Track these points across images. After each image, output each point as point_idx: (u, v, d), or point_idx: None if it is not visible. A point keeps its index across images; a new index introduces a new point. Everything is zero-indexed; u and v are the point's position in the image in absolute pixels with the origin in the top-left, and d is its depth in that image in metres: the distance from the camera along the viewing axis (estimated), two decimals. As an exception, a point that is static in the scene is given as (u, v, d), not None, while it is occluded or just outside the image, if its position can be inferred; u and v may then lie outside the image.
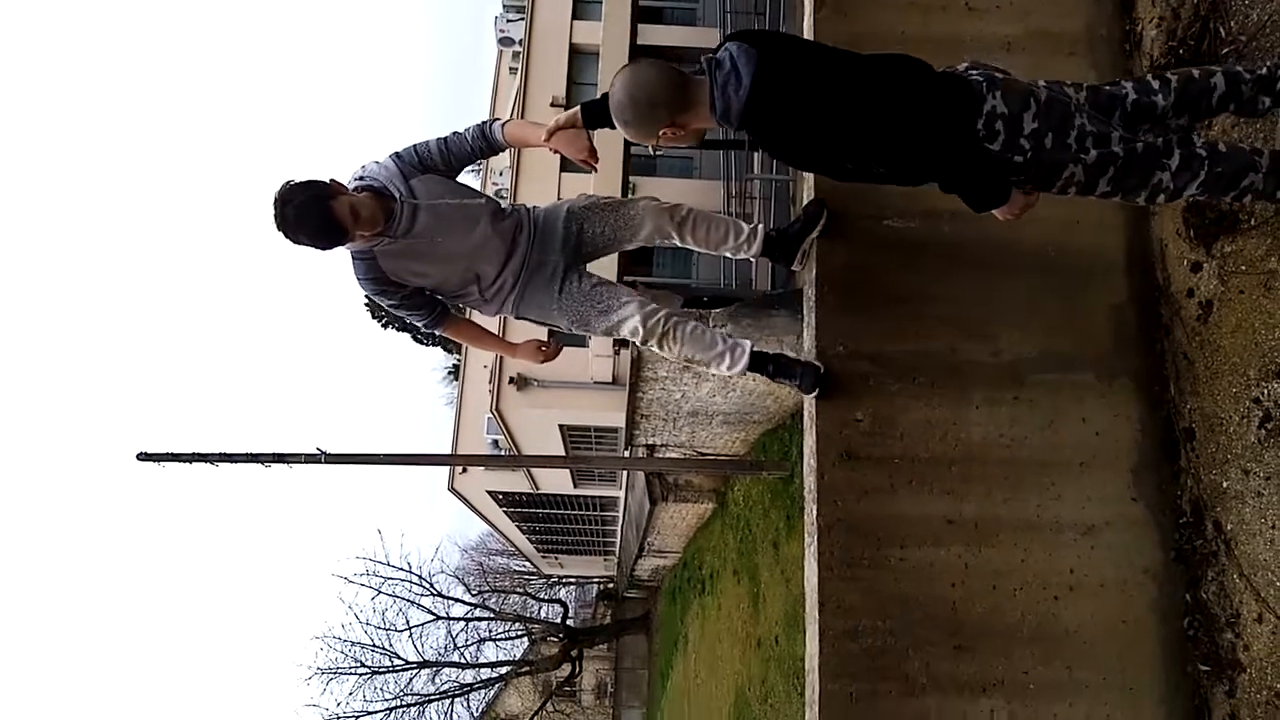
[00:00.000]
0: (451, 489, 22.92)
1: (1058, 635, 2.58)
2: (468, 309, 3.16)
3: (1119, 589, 2.61)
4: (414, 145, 2.87)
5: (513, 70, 20.07)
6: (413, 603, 24.66)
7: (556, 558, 32.17)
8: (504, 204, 3.04)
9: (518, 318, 3.04)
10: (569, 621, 28.58)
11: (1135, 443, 2.73)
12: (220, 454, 13.57)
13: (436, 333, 3.10)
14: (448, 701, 25.53)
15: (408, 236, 2.77)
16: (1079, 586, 2.61)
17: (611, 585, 31.70)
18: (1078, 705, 2.54)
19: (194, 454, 13.48)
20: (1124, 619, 2.60)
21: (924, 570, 2.65)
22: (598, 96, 2.52)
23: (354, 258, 2.83)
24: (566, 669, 26.87)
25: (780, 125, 2.10)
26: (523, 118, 16.84)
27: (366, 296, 3.05)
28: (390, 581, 23.95)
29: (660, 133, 2.18)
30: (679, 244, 2.99)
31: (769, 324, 7.60)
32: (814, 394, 2.76)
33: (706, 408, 11.41)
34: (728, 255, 3.06)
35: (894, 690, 2.59)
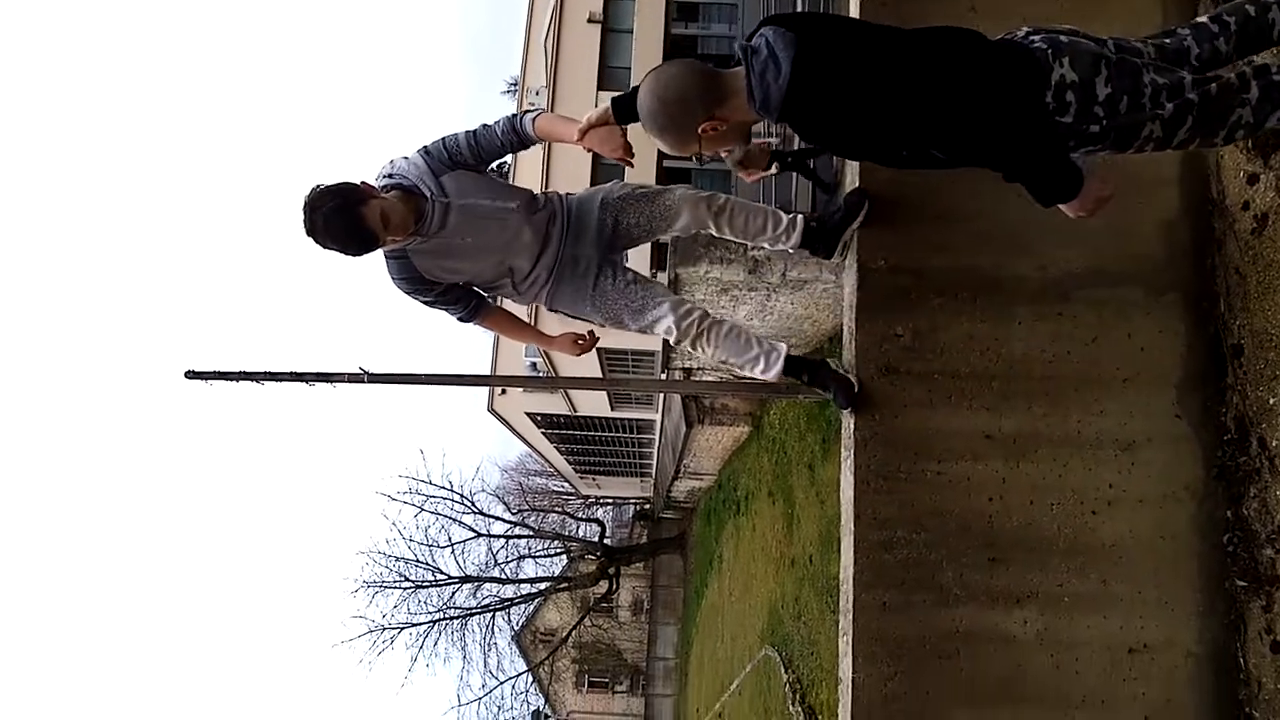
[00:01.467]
0: (491, 410, 23.23)
1: (1094, 549, 2.59)
2: (501, 299, 3.13)
3: (1158, 505, 2.61)
4: (442, 140, 2.82)
5: (548, -14, 19.62)
6: (454, 520, 25.31)
7: (594, 479, 32.63)
8: (537, 193, 2.98)
9: (550, 309, 3.02)
10: (606, 540, 29.12)
11: (1181, 359, 2.69)
12: (265, 372, 13.89)
13: (472, 324, 3.07)
14: (489, 615, 26.35)
15: (440, 235, 2.74)
16: (1117, 502, 2.61)
17: (648, 506, 32.15)
18: (1112, 618, 2.56)
19: (240, 372, 13.81)
20: (1162, 534, 2.59)
21: (961, 484, 2.66)
22: (628, 91, 2.44)
23: (388, 258, 2.81)
24: (604, 586, 27.49)
25: (825, 113, 1.94)
26: (557, 43, 16.58)
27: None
28: (432, 500, 24.57)
29: (699, 131, 2.02)
30: (715, 234, 2.95)
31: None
32: (848, 410, 2.72)
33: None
34: (765, 246, 3.01)
35: (927, 600, 2.62)
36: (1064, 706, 2.51)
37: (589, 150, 2.68)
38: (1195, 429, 2.66)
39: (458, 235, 2.76)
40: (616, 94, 2.53)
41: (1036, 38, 1.98)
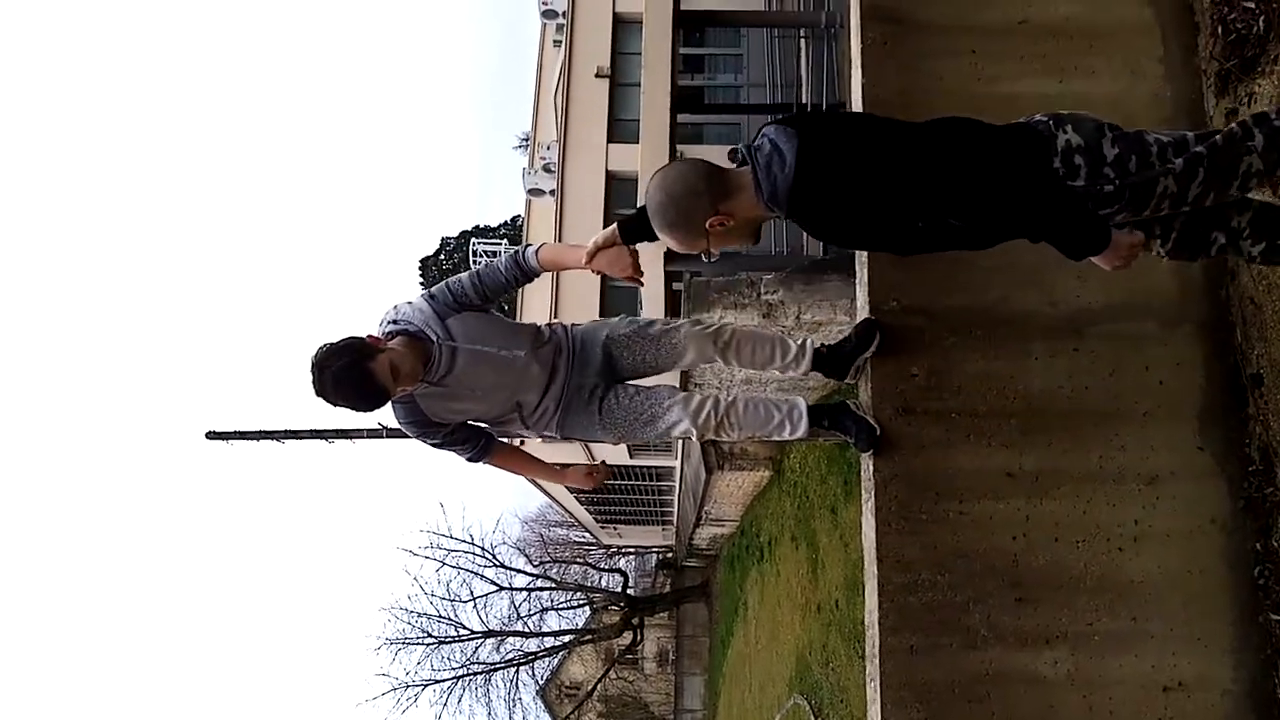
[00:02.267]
0: (510, 462, 23.12)
1: (1122, 586, 2.55)
2: (509, 435, 3.13)
3: (1186, 539, 2.57)
4: (447, 283, 2.84)
5: (556, 43, 20.02)
6: (476, 574, 25.17)
7: (615, 528, 32.45)
8: (542, 326, 3.01)
9: (563, 438, 3.02)
10: (629, 590, 28.84)
11: (1200, 390, 2.67)
12: (285, 431, 14.01)
13: (481, 463, 3.07)
14: (513, 670, 26.05)
15: (447, 379, 2.75)
16: (1144, 537, 2.58)
17: (670, 554, 31.86)
18: (1144, 656, 2.51)
19: (260, 431, 13.95)
20: (1190, 569, 2.56)
21: (983, 523, 2.64)
22: (634, 210, 2.49)
23: (395, 403, 2.79)
24: (628, 637, 27.19)
25: (834, 196, 1.97)
26: (567, 98, 16.82)
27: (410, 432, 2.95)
28: (453, 554, 24.47)
29: (707, 225, 2.05)
30: (724, 367, 2.99)
31: (821, 288, 7.54)
32: (869, 453, 2.72)
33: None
34: (776, 375, 3.05)
35: (955, 643, 2.58)
36: (1100, 749, 2.46)
37: (597, 273, 2.70)
38: (1219, 461, 2.63)
39: (466, 377, 2.76)
40: (622, 216, 2.58)
41: (1038, 116, 2.03)
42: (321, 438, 12.62)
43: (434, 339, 2.72)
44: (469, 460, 3.00)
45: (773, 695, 13.32)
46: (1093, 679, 2.51)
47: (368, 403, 2.58)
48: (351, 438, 12.07)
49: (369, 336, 2.64)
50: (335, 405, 2.59)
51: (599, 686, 28.38)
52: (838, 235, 2.13)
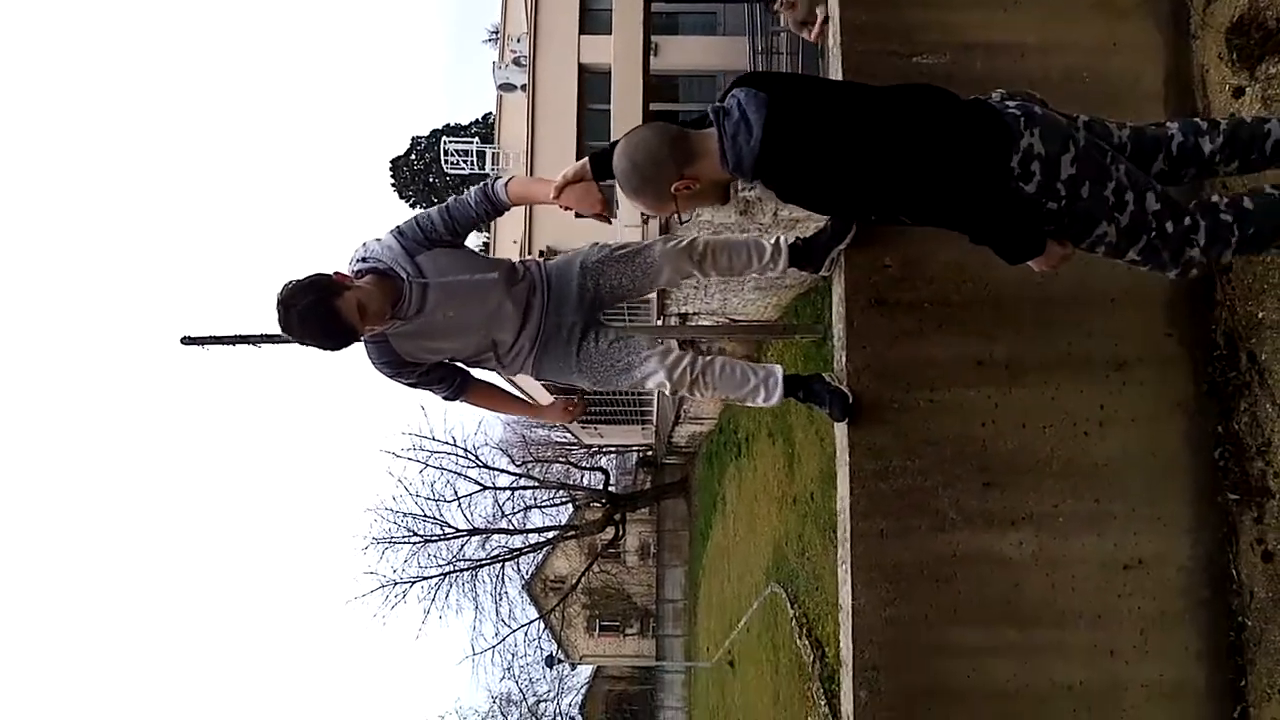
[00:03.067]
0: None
1: (1087, 469, 2.62)
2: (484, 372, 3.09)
3: (1150, 423, 2.63)
4: (415, 218, 2.77)
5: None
6: (459, 474, 25.45)
7: (596, 428, 32.79)
8: (516, 262, 2.95)
9: (537, 379, 2.99)
10: (610, 488, 29.35)
11: (1169, 279, 2.69)
12: (262, 335, 13.88)
13: (458, 402, 3.05)
14: (498, 566, 26.65)
15: (419, 316, 2.70)
16: (1109, 421, 2.63)
17: (650, 453, 32.35)
18: (1106, 536, 2.60)
19: (236, 336, 13.81)
20: (1154, 452, 2.62)
21: (954, 411, 2.68)
22: (605, 145, 2.44)
23: (367, 343, 2.76)
24: (610, 532, 27.77)
25: (796, 175, 1.99)
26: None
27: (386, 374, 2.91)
28: (436, 455, 24.67)
29: (673, 190, 2.04)
30: (701, 279, 2.91)
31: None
32: (844, 422, 2.72)
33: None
34: (754, 277, 2.98)
35: (924, 526, 2.66)
36: (1061, 623, 2.56)
37: (565, 208, 2.66)
38: (1186, 347, 2.67)
39: (438, 313, 2.72)
40: (593, 151, 2.53)
41: (1011, 104, 2.00)
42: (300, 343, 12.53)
43: (404, 276, 2.68)
44: (445, 399, 2.99)
45: (750, 584, 13.74)
46: (1056, 558, 2.60)
47: (334, 341, 2.55)
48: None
49: (336, 273, 2.59)
50: (302, 343, 2.57)
51: (583, 580, 29.15)
52: (796, 202, 2.14)
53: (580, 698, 37.33)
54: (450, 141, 22.96)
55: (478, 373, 3.05)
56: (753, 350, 14.84)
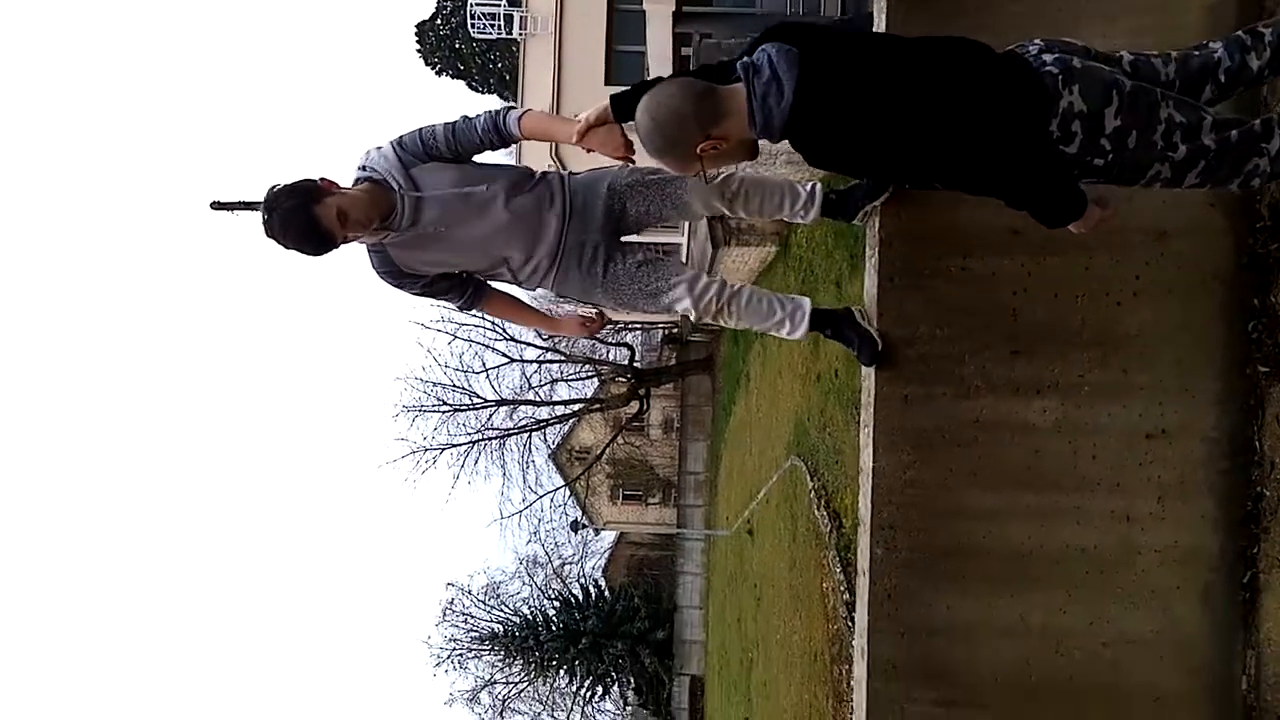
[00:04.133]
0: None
1: (1117, 339, 2.60)
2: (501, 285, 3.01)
3: (1185, 293, 2.59)
4: (419, 131, 2.69)
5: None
6: (487, 346, 25.78)
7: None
8: (534, 171, 2.84)
9: (558, 296, 2.93)
10: (636, 363, 29.64)
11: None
12: (289, 203, 13.88)
13: (473, 312, 3.00)
14: (525, 435, 27.27)
15: (411, 229, 2.65)
16: (1144, 292, 2.60)
17: (676, 329, 32.47)
18: (1131, 405, 2.60)
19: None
20: (1186, 323, 2.59)
21: (985, 279, 2.65)
22: (627, 87, 2.34)
23: (369, 251, 2.73)
24: (635, 406, 28.20)
25: (829, 138, 1.91)
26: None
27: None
28: (464, 327, 24.93)
29: (698, 151, 1.95)
30: (729, 216, 2.84)
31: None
32: (872, 366, 2.66)
33: (769, 147, 11.11)
34: (784, 220, 2.89)
35: (948, 393, 2.67)
36: (1080, 489, 2.59)
37: (588, 150, 2.59)
38: (1229, 218, 2.61)
39: (430, 228, 2.68)
40: (615, 91, 2.43)
41: (1048, 58, 1.89)
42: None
43: (396, 188, 2.65)
44: (460, 309, 2.99)
45: (771, 458, 13.98)
46: (1079, 426, 2.61)
47: (314, 246, 2.56)
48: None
49: (322, 179, 2.59)
50: (285, 247, 2.57)
51: (607, 451, 29.80)
52: (827, 167, 2.08)
53: (603, 561, 38.75)
54: (477, 4, 22.23)
55: (496, 284, 3.04)
56: (782, 227, 14.65)
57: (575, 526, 29.62)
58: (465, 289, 2.91)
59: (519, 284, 2.94)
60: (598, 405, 28.76)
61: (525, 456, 27.71)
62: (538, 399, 27.17)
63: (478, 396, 25.54)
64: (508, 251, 2.78)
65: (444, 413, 25.03)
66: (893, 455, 2.67)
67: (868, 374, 2.76)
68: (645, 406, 28.97)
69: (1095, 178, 1.94)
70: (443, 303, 2.95)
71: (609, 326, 33.66)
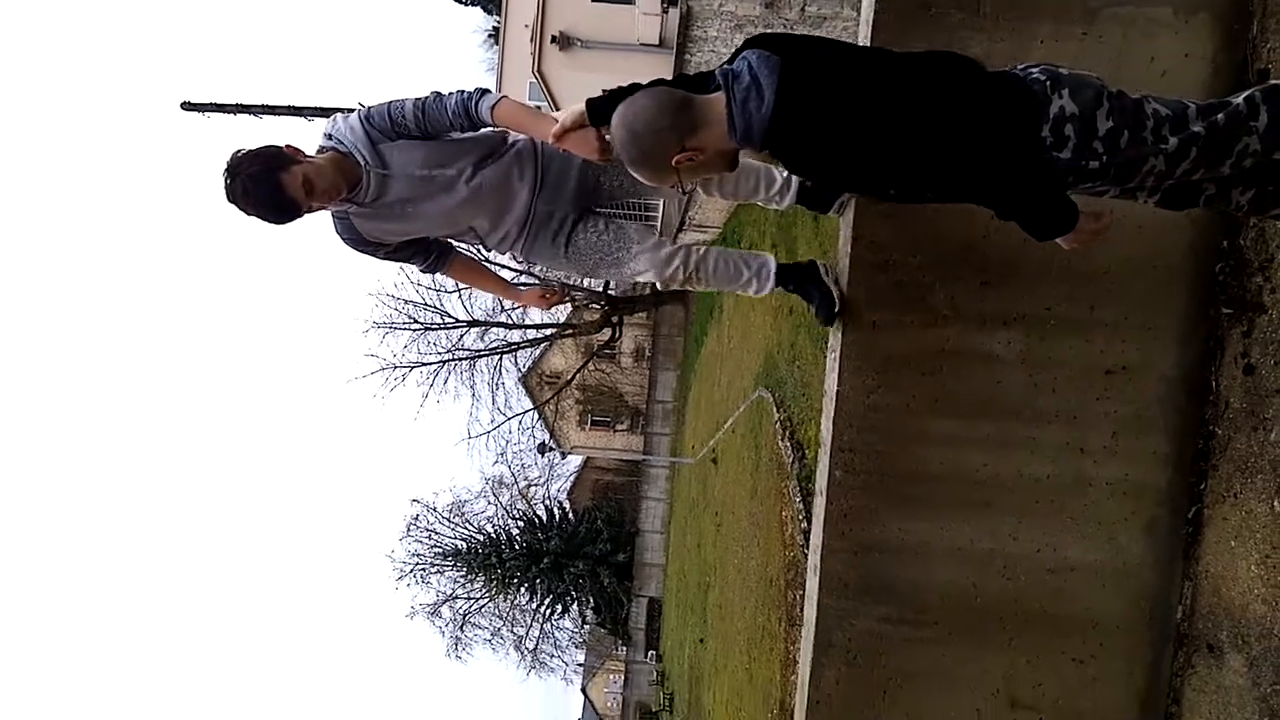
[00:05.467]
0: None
1: (1087, 275, 2.62)
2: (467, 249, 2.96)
3: (1156, 232, 2.60)
4: (388, 106, 2.63)
5: None
6: (461, 266, 25.49)
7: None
8: (507, 138, 2.78)
9: (526, 262, 2.92)
10: (610, 291, 29.57)
11: (1203, 85, 2.59)
12: (263, 105, 13.54)
13: (438, 275, 2.97)
14: (496, 357, 27.22)
15: (376, 204, 2.62)
16: (1116, 227, 2.55)
17: (652, 257, 32.37)
18: (1094, 341, 2.64)
19: (237, 105, 13.47)
20: (1156, 262, 2.62)
21: (960, 208, 2.63)
22: (601, 95, 2.32)
23: (333, 217, 2.69)
24: (607, 333, 28.19)
25: (811, 146, 1.86)
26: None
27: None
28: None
29: (674, 162, 1.90)
30: (703, 195, 2.80)
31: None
32: (827, 325, 2.71)
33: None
34: (758, 204, 2.89)
35: (916, 320, 2.69)
36: (1037, 420, 2.64)
37: (564, 151, 2.59)
38: (1206, 159, 2.61)
39: (397, 204, 2.66)
40: (590, 97, 2.40)
41: (1035, 70, 1.87)
42: (299, 115, 12.24)
43: (363, 163, 2.61)
44: (423, 271, 2.97)
45: (739, 389, 14.10)
46: (1041, 359, 2.65)
47: (277, 214, 2.52)
48: (330, 115, 11.71)
49: (288, 146, 2.55)
50: (247, 214, 2.52)
51: (577, 376, 29.88)
52: (808, 176, 2.07)
53: (568, 484, 39.18)
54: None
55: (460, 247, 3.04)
56: (765, 156, 14.52)
57: (542, 449, 29.83)
58: (429, 254, 2.93)
59: (487, 249, 2.98)
60: (570, 331, 28.70)
61: (495, 379, 27.73)
62: (510, 321, 27.05)
63: (449, 316, 25.38)
64: (475, 221, 2.79)
65: (415, 330, 24.88)
66: (857, 379, 2.69)
67: (838, 303, 2.76)
68: (617, 334, 28.96)
69: (1091, 181, 1.92)
70: (407, 264, 2.96)
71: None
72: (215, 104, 12.97)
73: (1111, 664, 2.63)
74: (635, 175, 2.03)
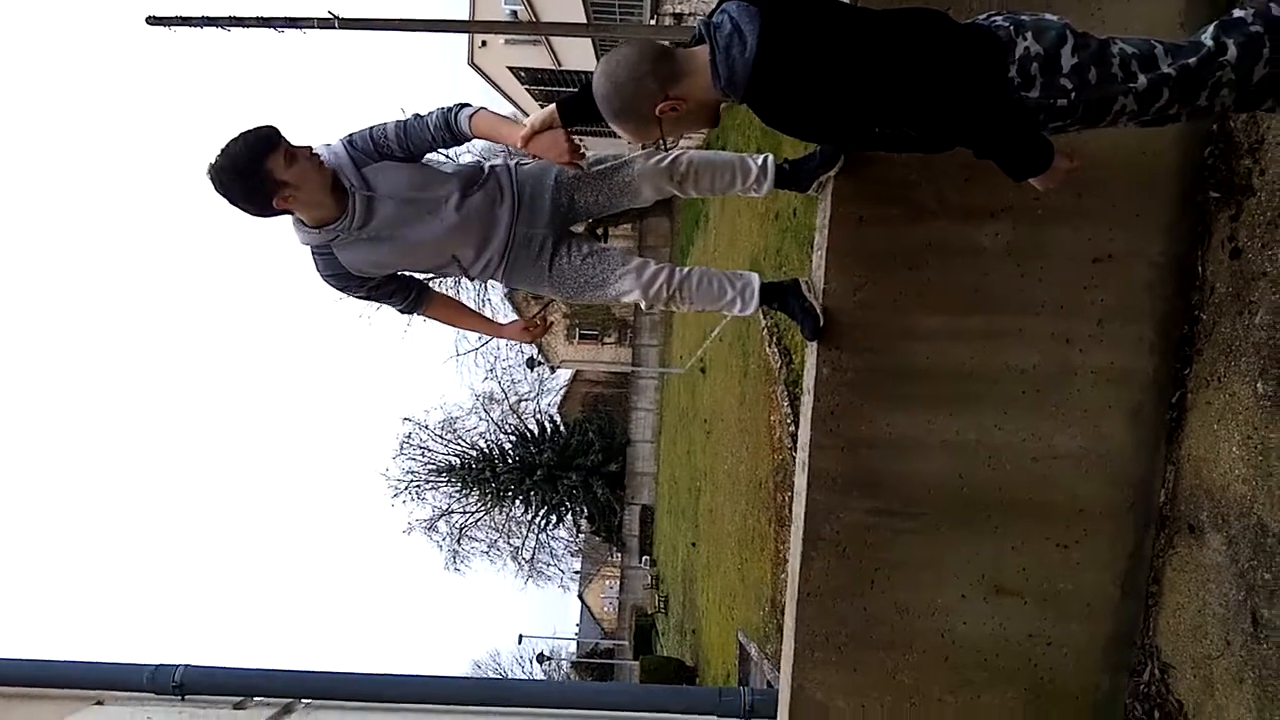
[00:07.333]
0: (472, 64, 22.26)
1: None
2: (447, 283, 2.89)
3: (1145, 117, 2.56)
4: (370, 129, 2.57)
5: None
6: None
7: (580, 138, 32.08)
8: (483, 164, 2.72)
9: (508, 288, 2.79)
10: (593, 202, 29.21)
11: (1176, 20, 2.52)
12: (231, 18, 13.07)
13: (416, 315, 2.92)
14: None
15: (364, 230, 2.55)
16: (1105, 113, 2.56)
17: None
18: (1081, 229, 2.62)
19: (204, 18, 12.99)
20: (1144, 148, 2.57)
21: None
22: (572, 93, 2.27)
23: (313, 253, 2.62)
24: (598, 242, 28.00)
25: (794, 88, 1.87)
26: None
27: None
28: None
29: (657, 112, 1.90)
30: (681, 198, 2.69)
31: None
32: (813, 341, 2.67)
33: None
34: (738, 195, 2.83)
35: (902, 215, 2.66)
36: (1025, 311, 2.63)
37: (535, 156, 2.54)
38: (1197, 40, 2.55)
39: (384, 230, 2.59)
40: (562, 97, 2.35)
41: (998, 17, 1.92)
42: (269, 26, 11.85)
43: (349, 187, 2.55)
44: (401, 311, 2.91)
45: (727, 296, 14.06)
46: (1028, 249, 2.63)
47: (253, 200, 2.46)
48: (301, 27, 11.35)
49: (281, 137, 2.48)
50: (222, 193, 2.46)
51: (563, 290, 29.71)
52: (792, 127, 2.02)
53: (559, 398, 39.43)
54: None
55: (437, 285, 3.01)
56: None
57: (531, 364, 29.95)
58: (409, 292, 2.89)
59: (470, 278, 2.92)
60: (555, 242, 28.46)
61: (481, 294, 27.60)
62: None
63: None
64: (460, 250, 2.74)
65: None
66: (844, 276, 2.67)
67: (825, 198, 2.73)
68: (604, 243, 28.77)
69: (1062, 120, 1.93)
70: (386, 304, 2.90)
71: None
72: (181, 17, 12.53)
73: (1094, 548, 2.69)
74: (618, 129, 2.02)
